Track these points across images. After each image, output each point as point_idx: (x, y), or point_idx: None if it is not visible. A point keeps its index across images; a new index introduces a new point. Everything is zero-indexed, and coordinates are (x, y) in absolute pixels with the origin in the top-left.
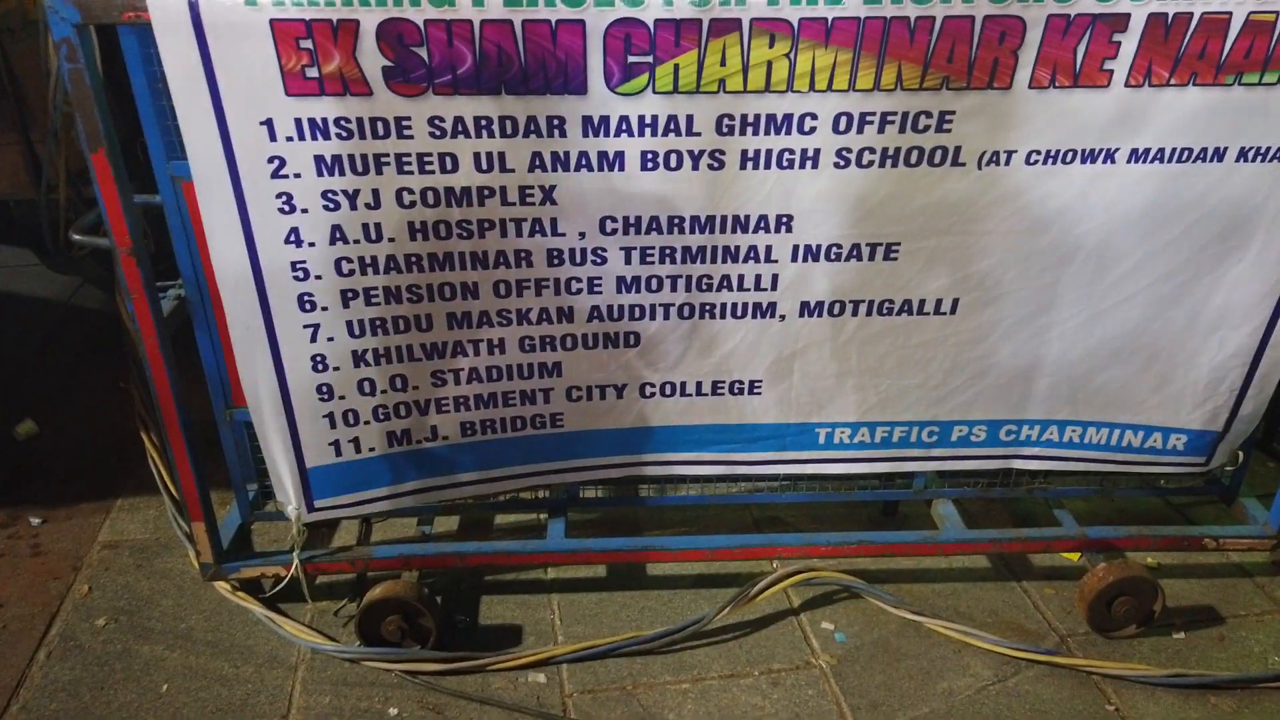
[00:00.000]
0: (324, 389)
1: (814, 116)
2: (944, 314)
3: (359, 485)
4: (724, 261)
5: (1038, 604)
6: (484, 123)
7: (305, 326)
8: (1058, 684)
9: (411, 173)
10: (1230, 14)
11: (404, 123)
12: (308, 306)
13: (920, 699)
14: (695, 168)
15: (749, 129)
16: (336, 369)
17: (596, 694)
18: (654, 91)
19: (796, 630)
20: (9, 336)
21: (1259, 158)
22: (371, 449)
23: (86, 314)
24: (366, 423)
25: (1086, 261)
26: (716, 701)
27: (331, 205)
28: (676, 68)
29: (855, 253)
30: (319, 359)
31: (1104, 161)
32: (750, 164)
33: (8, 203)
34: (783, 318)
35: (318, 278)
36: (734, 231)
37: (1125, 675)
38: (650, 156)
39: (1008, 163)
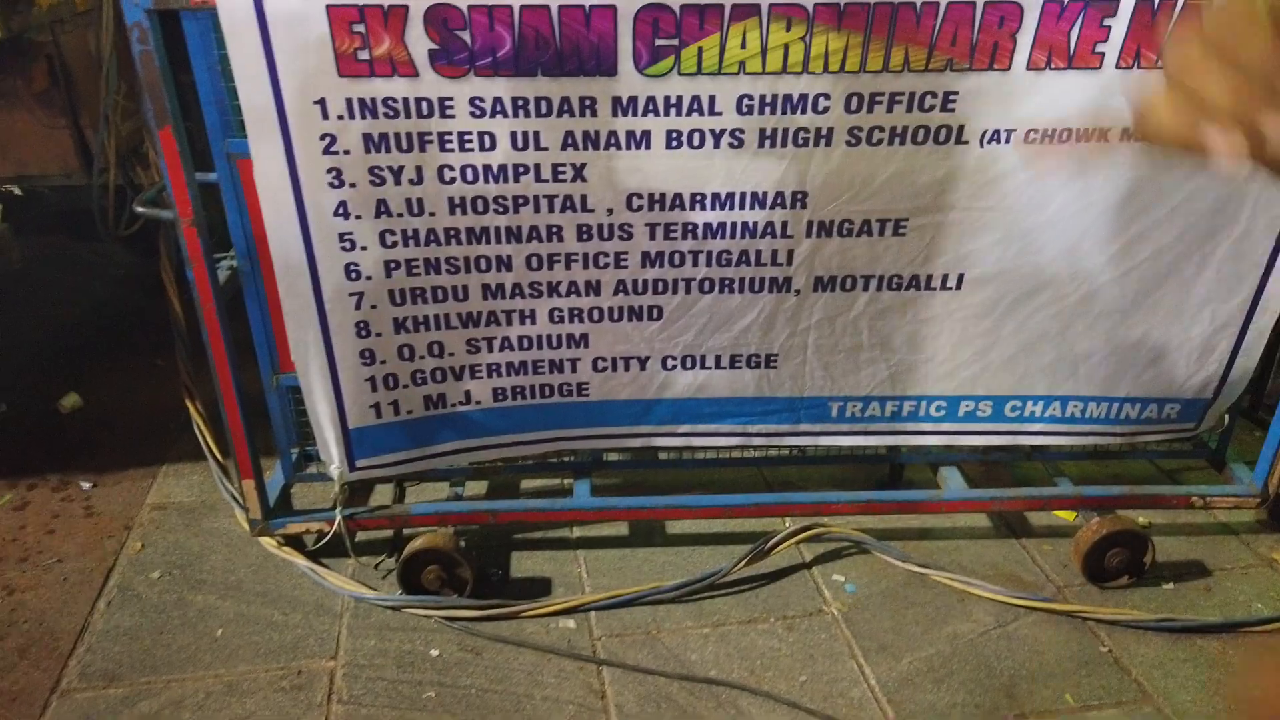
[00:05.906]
0: (366, 354)
1: (827, 96)
2: (950, 289)
3: (397, 446)
4: (742, 237)
5: (1035, 558)
6: (521, 103)
7: (351, 294)
8: (1055, 628)
9: (453, 150)
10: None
11: (447, 103)
12: (354, 275)
13: (927, 641)
14: (716, 146)
15: (766, 109)
16: (379, 335)
17: (623, 638)
18: (679, 73)
19: (809, 582)
20: (51, 316)
21: None
22: (410, 411)
23: (124, 295)
24: (405, 386)
25: (1083, 238)
26: (735, 644)
27: (377, 180)
28: (700, 50)
29: (866, 228)
30: (363, 325)
31: (1098, 140)
32: (768, 142)
33: (43, 191)
34: (797, 292)
35: (363, 248)
36: (752, 208)
37: (1118, 620)
38: (675, 135)
39: (1008, 141)
